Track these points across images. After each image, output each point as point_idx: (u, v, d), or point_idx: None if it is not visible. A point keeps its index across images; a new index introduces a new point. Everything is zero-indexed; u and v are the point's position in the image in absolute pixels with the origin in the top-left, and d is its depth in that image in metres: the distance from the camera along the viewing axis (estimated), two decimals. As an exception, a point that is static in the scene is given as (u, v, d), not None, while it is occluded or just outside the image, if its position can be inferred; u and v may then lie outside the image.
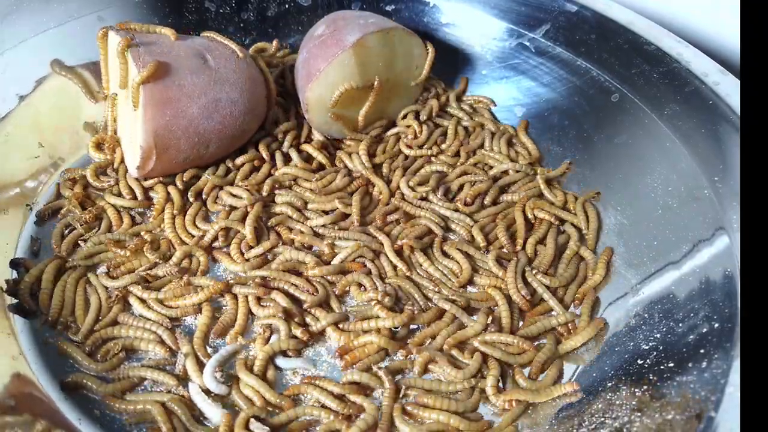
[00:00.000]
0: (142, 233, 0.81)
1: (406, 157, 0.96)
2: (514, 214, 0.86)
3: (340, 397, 0.66)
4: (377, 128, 0.99)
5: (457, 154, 0.97)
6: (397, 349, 0.71)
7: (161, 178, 0.87)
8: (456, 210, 0.87)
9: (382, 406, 0.66)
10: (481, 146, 0.98)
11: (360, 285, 0.77)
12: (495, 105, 1.05)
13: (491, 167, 0.94)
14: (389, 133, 1.00)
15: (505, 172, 0.94)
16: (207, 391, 0.67)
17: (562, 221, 0.86)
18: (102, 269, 0.79)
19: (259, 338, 0.71)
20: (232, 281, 0.76)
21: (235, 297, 0.75)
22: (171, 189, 0.86)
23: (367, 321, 0.72)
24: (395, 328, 0.72)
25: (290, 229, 0.84)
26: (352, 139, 0.97)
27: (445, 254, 0.81)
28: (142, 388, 0.68)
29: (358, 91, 0.92)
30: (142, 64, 0.76)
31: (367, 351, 0.70)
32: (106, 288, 0.76)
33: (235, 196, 0.86)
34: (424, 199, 0.89)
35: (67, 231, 0.82)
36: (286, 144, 0.94)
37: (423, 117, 1.00)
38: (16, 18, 0.92)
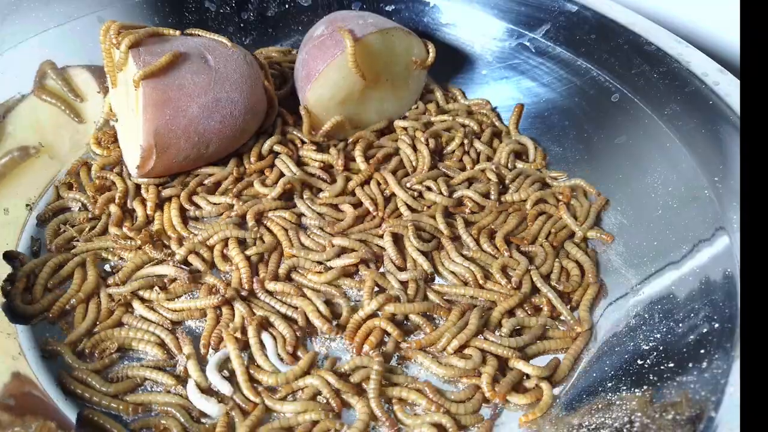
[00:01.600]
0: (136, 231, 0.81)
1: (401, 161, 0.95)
2: (510, 217, 0.87)
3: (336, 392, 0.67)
4: (376, 130, 0.99)
5: (461, 159, 0.96)
6: (401, 338, 0.71)
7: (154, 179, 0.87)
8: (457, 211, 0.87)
9: (369, 388, 0.66)
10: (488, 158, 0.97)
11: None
12: (492, 106, 1.05)
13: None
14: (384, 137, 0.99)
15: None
16: (205, 390, 0.67)
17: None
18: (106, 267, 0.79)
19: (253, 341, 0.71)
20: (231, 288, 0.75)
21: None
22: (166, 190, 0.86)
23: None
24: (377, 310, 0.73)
25: (285, 230, 0.83)
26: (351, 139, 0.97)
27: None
28: (143, 388, 0.68)
29: (357, 92, 0.93)
30: (142, 63, 0.76)
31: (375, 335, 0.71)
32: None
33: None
34: (421, 195, 0.89)
35: (62, 230, 0.83)
36: (284, 157, 0.92)
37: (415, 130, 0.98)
38: (16, 18, 0.92)
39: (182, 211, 0.85)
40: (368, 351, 0.70)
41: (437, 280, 0.81)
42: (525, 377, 0.70)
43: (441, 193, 0.88)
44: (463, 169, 0.94)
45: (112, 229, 0.81)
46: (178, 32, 0.84)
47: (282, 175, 0.90)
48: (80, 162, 0.91)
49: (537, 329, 0.74)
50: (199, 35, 0.87)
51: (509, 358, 0.70)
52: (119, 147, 0.91)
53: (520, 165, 0.95)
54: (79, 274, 0.76)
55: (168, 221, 0.83)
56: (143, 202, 0.85)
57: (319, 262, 0.79)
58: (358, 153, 0.92)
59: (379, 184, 0.90)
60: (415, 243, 0.81)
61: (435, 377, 0.70)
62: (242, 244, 0.81)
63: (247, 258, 0.78)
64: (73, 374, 0.67)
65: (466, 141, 0.97)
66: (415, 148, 0.95)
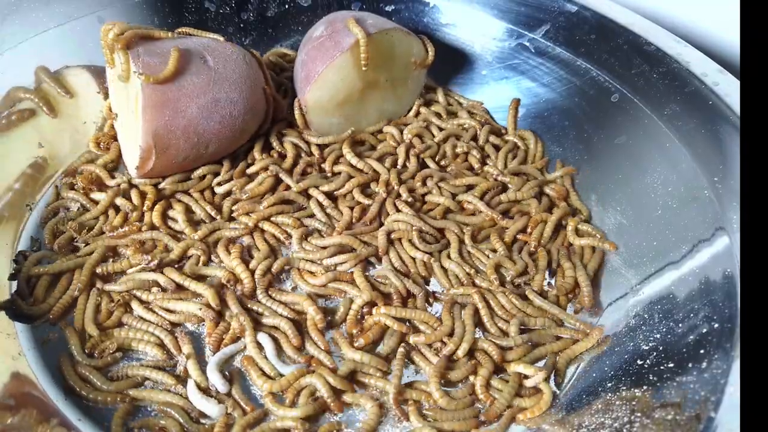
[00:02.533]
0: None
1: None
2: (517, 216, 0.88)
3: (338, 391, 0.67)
4: (375, 130, 0.99)
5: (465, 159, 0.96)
6: (402, 328, 0.72)
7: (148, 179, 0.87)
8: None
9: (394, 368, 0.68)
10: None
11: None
12: (482, 103, 1.05)
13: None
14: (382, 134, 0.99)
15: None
16: (205, 390, 0.67)
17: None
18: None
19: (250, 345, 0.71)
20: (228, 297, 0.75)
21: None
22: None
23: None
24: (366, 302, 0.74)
25: (287, 234, 0.84)
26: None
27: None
28: (143, 388, 0.68)
29: (356, 93, 0.93)
30: (141, 63, 0.76)
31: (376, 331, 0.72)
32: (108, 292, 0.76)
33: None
34: (423, 202, 0.89)
35: (58, 230, 0.83)
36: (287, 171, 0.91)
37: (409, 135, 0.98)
38: (16, 18, 0.92)
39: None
40: (363, 345, 0.71)
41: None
42: (524, 377, 0.70)
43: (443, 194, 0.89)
44: (470, 168, 0.95)
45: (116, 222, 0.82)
46: (170, 33, 0.83)
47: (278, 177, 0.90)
48: (83, 161, 0.91)
49: (542, 331, 0.74)
50: (192, 34, 0.87)
51: (503, 359, 0.70)
52: (118, 147, 0.91)
53: (521, 167, 0.95)
54: (80, 275, 0.76)
55: (158, 217, 0.83)
56: (142, 195, 0.84)
57: (316, 263, 0.80)
58: (346, 150, 0.93)
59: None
60: (419, 246, 0.81)
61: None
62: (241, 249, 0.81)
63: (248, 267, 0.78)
64: (76, 369, 0.68)
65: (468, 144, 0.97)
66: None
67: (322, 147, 0.95)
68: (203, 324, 0.73)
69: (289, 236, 0.83)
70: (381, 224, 0.85)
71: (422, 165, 0.95)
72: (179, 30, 0.88)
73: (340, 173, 0.91)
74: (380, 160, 0.94)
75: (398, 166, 0.94)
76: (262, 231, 0.84)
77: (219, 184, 0.89)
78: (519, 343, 0.71)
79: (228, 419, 0.65)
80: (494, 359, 0.70)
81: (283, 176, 0.89)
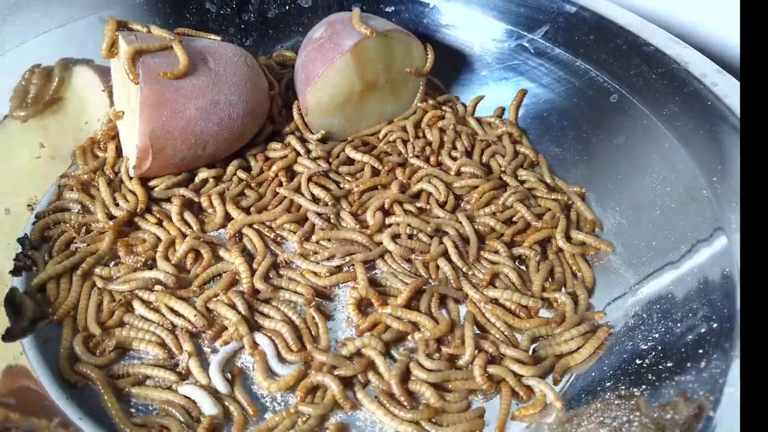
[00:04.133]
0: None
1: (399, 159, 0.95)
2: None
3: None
4: (375, 132, 0.99)
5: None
6: (397, 322, 0.72)
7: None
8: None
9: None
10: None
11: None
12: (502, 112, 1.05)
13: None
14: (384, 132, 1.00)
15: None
16: (206, 388, 0.67)
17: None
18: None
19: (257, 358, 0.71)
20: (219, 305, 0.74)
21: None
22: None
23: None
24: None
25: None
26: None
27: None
28: (144, 386, 0.68)
29: (356, 95, 0.93)
30: (141, 65, 0.76)
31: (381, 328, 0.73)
32: (110, 291, 0.76)
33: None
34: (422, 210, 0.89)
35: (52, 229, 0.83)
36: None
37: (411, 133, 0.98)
38: (17, 19, 0.93)
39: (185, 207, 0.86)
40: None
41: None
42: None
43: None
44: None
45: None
46: (167, 38, 0.81)
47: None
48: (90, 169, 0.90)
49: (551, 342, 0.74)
50: (190, 35, 0.88)
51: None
52: (114, 147, 0.91)
53: (523, 173, 0.95)
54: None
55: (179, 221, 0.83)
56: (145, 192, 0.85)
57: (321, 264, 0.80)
58: (349, 149, 0.93)
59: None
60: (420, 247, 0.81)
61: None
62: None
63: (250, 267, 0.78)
64: (75, 367, 0.68)
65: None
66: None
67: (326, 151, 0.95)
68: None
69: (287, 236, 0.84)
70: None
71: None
72: (177, 31, 0.88)
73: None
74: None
75: (408, 154, 0.95)
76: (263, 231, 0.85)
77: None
78: (527, 353, 0.72)
79: (224, 420, 0.65)
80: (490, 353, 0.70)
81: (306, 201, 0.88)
